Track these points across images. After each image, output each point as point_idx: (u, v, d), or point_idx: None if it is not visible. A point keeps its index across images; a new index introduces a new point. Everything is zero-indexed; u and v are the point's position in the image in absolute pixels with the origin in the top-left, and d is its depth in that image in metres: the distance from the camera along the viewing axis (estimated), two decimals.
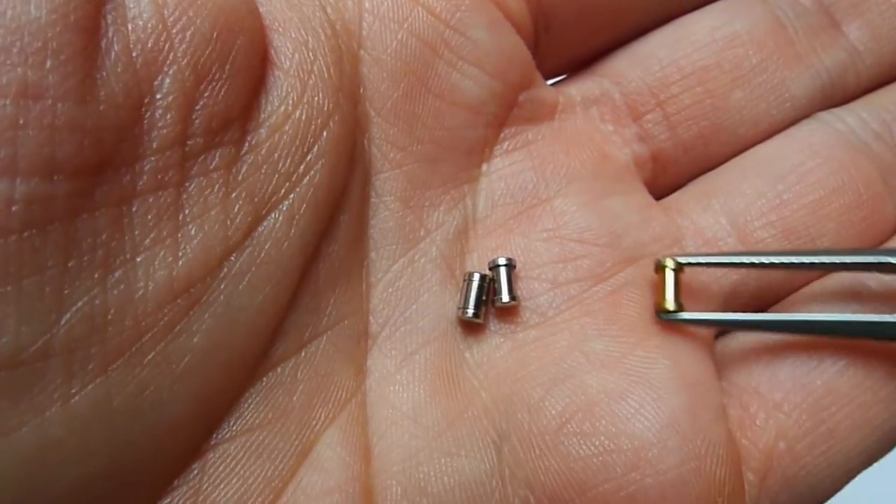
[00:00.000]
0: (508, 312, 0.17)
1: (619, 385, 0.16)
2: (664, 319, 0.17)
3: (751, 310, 0.18)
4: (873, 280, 0.17)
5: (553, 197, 0.18)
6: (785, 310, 0.18)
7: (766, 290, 0.18)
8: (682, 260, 0.17)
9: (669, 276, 0.17)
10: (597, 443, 0.15)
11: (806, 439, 0.16)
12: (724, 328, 0.18)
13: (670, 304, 0.17)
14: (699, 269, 0.18)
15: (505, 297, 0.17)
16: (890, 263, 0.16)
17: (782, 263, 0.16)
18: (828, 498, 0.17)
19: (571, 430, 0.15)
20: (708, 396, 0.16)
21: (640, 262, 0.18)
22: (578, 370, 0.16)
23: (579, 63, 0.21)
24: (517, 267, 0.17)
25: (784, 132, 0.20)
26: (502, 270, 0.17)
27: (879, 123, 0.19)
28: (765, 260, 0.16)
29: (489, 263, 0.17)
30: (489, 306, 0.17)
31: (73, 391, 0.11)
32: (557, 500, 0.15)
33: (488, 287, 0.17)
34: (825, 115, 0.20)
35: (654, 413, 0.15)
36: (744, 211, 0.18)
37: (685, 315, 0.16)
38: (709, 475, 0.15)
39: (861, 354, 0.16)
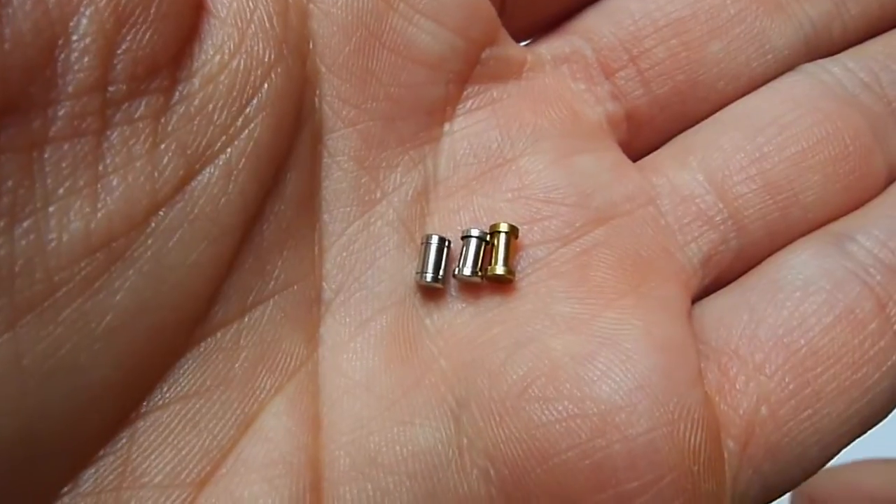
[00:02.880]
0: (473, 285, 0.16)
1: (585, 347, 0.15)
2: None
3: (737, 271, 0.17)
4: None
5: (519, 156, 0.17)
6: (769, 268, 0.17)
7: (750, 247, 0.17)
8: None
9: (502, 240, 0.16)
10: (560, 408, 0.14)
11: (790, 403, 0.15)
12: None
13: (500, 268, 0.16)
14: (675, 231, 0.17)
15: (467, 271, 0.16)
16: None
17: None
18: (817, 468, 0.15)
19: (533, 395, 0.14)
20: (683, 359, 0.15)
21: (612, 223, 0.17)
22: (543, 333, 0.15)
23: (550, 23, 0.20)
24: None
25: (765, 85, 0.19)
26: (472, 241, 0.16)
27: (867, 73, 0.18)
28: None
29: (462, 233, 0.16)
30: (449, 273, 0.16)
31: None
32: (518, 470, 0.14)
33: (449, 250, 0.16)
34: (809, 67, 0.19)
35: (622, 375, 0.14)
36: (722, 166, 0.17)
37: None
38: (683, 441, 0.14)
39: (848, 310, 0.15)
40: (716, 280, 0.17)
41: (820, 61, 0.19)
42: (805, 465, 0.15)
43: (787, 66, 0.19)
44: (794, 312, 0.15)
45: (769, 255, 0.17)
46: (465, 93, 0.18)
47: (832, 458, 0.16)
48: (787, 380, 0.15)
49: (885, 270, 0.16)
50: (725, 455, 0.15)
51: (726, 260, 0.17)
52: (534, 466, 0.14)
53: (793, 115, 0.17)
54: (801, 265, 0.16)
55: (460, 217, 0.17)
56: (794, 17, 0.19)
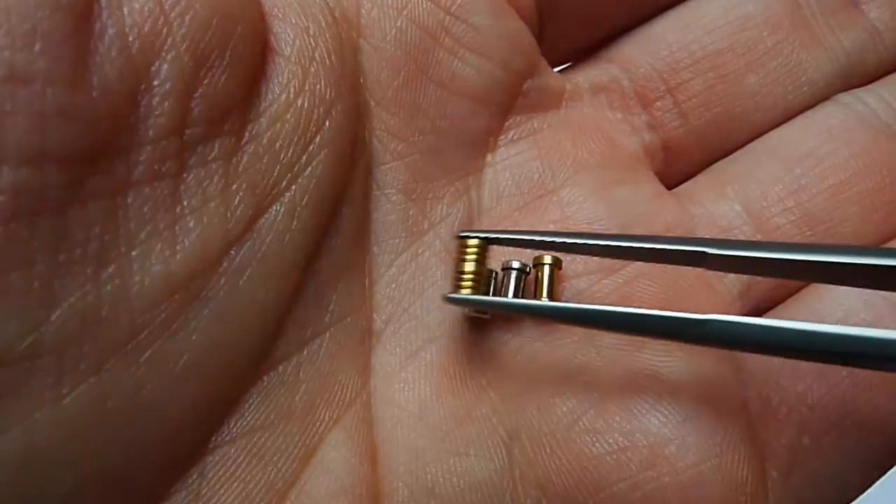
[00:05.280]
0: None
1: (632, 380, 0.15)
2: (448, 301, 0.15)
3: (775, 301, 0.18)
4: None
5: (560, 187, 0.18)
6: (809, 298, 0.17)
7: (779, 286, 0.17)
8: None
9: (546, 271, 0.16)
10: (610, 440, 0.14)
11: (832, 434, 0.15)
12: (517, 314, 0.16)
13: (544, 300, 0.15)
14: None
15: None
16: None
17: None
18: (857, 494, 0.16)
19: (583, 428, 0.14)
20: (726, 390, 0.15)
21: None
22: (589, 365, 0.15)
23: (586, 49, 0.20)
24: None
25: (801, 116, 0.19)
26: (513, 273, 0.16)
27: None
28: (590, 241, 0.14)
29: (502, 264, 0.17)
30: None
31: (65, 392, 0.11)
32: (570, 501, 0.14)
33: (496, 282, 0.17)
34: (844, 97, 0.19)
35: (670, 408, 0.15)
36: (759, 197, 0.18)
37: (469, 297, 0.15)
38: (730, 472, 0.14)
39: None
40: (754, 310, 0.18)
41: (854, 91, 0.19)
42: (846, 492, 0.16)
43: (822, 97, 0.19)
44: None
45: (807, 284, 0.17)
46: (506, 124, 0.18)
47: (872, 485, 0.16)
48: (828, 410, 0.15)
49: None
50: (769, 484, 0.15)
51: (764, 290, 0.17)
52: (585, 498, 0.14)
53: (829, 147, 0.18)
54: (841, 296, 0.16)
55: (505, 248, 0.17)
56: (829, 49, 0.19)
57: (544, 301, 0.15)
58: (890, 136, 0.18)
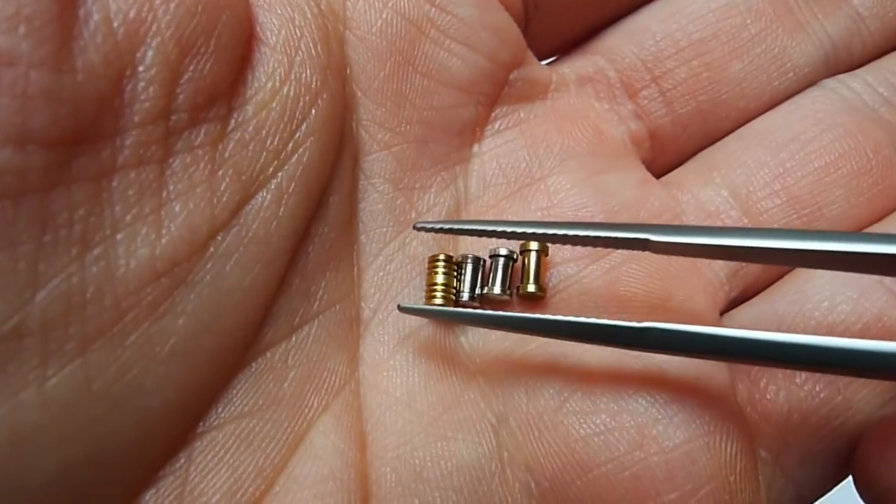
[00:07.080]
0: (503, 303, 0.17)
1: (620, 362, 0.15)
2: (402, 310, 0.15)
3: (763, 284, 0.18)
4: None
5: (547, 175, 0.18)
6: (797, 279, 0.17)
7: (767, 269, 0.17)
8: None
9: (532, 258, 0.16)
10: (597, 421, 0.14)
11: (822, 411, 0.15)
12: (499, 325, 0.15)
13: (531, 286, 0.16)
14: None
15: (497, 290, 0.16)
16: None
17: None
18: (849, 472, 0.16)
19: (570, 409, 0.15)
20: (714, 370, 0.15)
21: None
22: (577, 349, 0.15)
23: (572, 42, 0.20)
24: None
25: (787, 101, 0.19)
26: (500, 260, 0.17)
27: (887, 87, 0.19)
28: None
29: (490, 251, 0.17)
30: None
31: (50, 373, 0.11)
32: (558, 482, 0.14)
33: (484, 269, 0.17)
34: (829, 82, 0.19)
35: (657, 388, 0.15)
36: (746, 182, 0.18)
37: (422, 306, 0.16)
38: (719, 452, 0.14)
39: (876, 318, 0.16)
40: (743, 293, 0.18)
41: (840, 76, 0.19)
42: (837, 470, 0.16)
43: (807, 83, 0.19)
44: (822, 322, 0.16)
45: (780, 277, 0.17)
46: (493, 114, 0.18)
47: None
48: (817, 388, 0.15)
49: None
50: (759, 465, 0.15)
51: (753, 273, 0.17)
52: (573, 479, 0.14)
53: (814, 131, 0.18)
54: (828, 275, 0.17)
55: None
56: (813, 35, 0.19)
57: (491, 311, 0.15)
58: (874, 120, 0.18)
